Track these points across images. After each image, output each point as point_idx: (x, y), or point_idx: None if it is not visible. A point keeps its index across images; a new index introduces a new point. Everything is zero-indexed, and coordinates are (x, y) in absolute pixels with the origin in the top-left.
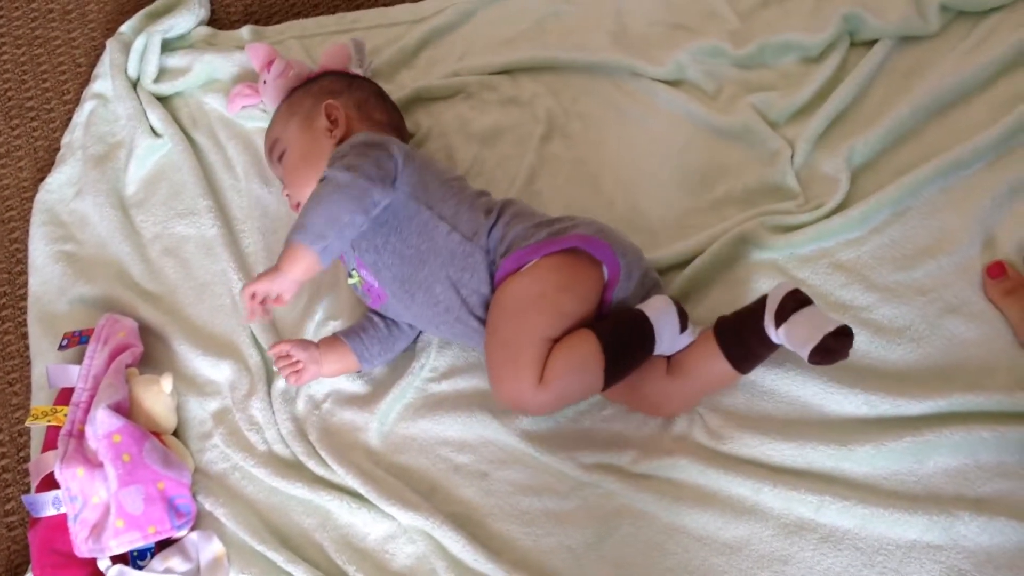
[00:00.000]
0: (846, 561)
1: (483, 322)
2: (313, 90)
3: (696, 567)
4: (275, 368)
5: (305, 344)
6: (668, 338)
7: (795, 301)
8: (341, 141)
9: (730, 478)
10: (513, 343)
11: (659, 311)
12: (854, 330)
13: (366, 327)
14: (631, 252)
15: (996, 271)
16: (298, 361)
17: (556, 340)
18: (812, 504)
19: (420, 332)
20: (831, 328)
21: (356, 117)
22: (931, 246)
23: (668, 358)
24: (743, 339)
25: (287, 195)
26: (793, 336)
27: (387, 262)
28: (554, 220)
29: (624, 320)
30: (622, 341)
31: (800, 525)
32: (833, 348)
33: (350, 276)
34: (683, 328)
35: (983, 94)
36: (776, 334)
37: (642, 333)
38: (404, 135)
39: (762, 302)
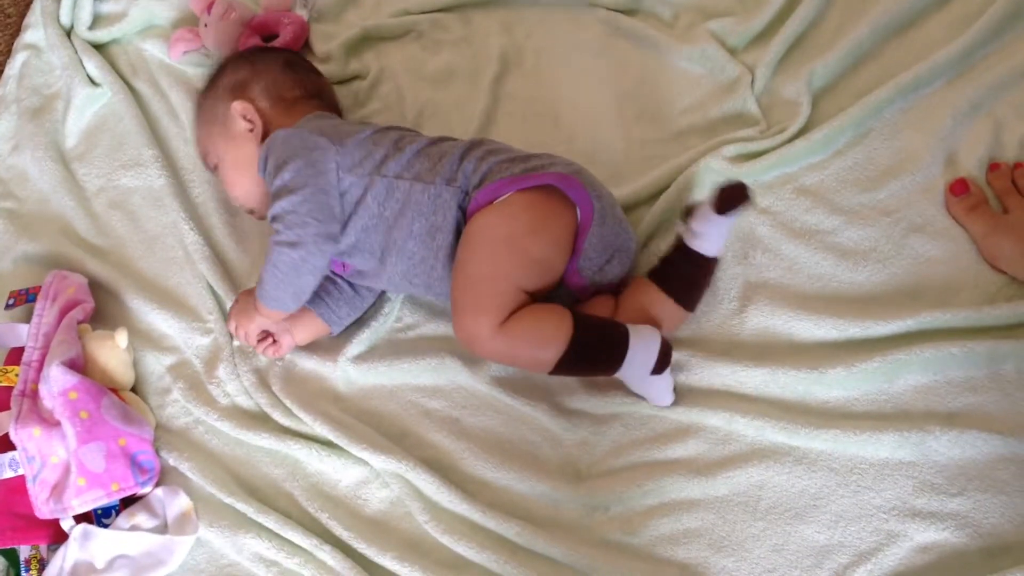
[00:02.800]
0: (820, 482)
1: None
2: (219, 91)
3: (672, 499)
4: (250, 347)
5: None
6: (636, 370)
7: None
8: (265, 135)
9: (701, 410)
10: (480, 282)
11: (643, 341)
12: (821, 256)
13: (330, 290)
14: (606, 197)
15: (959, 188)
16: (270, 335)
17: (531, 294)
18: (785, 430)
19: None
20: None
21: (268, 106)
22: (894, 166)
23: (615, 303)
24: (678, 271)
25: (236, 197)
26: (697, 218)
27: (355, 242)
28: (530, 156)
29: (606, 327)
30: (593, 344)
31: (773, 450)
32: (730, 195)
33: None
34: (657, 370)
35: (939, 12)
36: (696, 237)
37: (614, 349)
38: (327, 97)
39: (678, 235)
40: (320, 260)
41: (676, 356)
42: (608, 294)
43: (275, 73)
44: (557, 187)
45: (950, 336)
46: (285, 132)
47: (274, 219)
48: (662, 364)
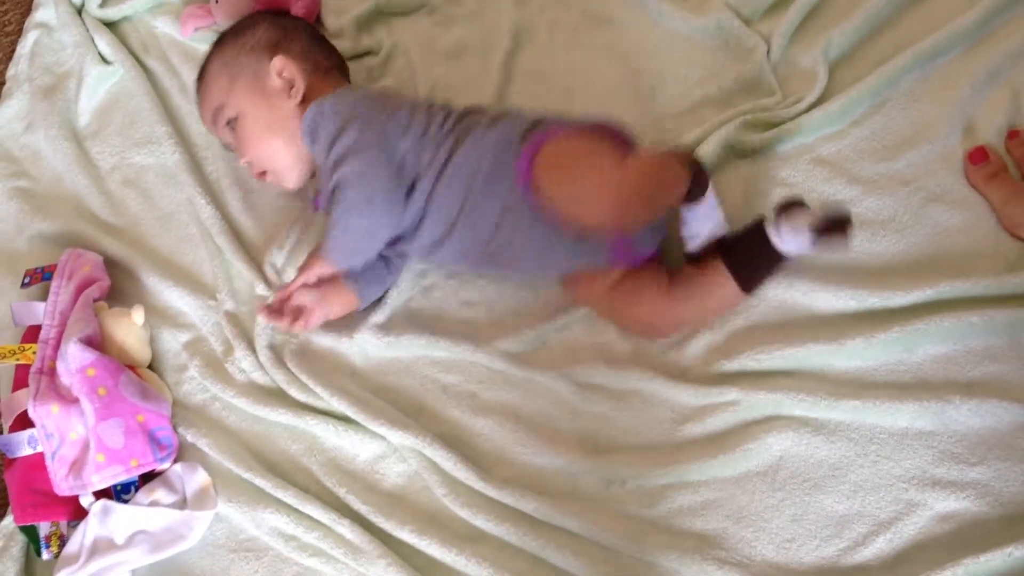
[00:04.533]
0: (839, 452)
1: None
2: (248, 44)
3: (693, 479)
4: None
5: (307, 287)
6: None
7: (797, 204)
8: (304, 102)
9: (720, 386)
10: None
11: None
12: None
13: (364, 268)
14: None
15: (978, 156)
16: (302, 306)
17: None
18: (804, 402)
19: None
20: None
21: (308, 70)
22: (912, 136)
23: (669, 275)
24: (748, 253)
25: (247, 163)
26: (793, 225)
27: (424, 206)
28: None
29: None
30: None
31: (792, 422)
32: (835, 224)
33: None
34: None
35: None
36: (780, 236)
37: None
38: (346, 73)
39: (761, 217)
40: (393, 219)
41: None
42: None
43: (307, 39)
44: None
45: (970, 305)
46: (333, 100)
47: (340, 184)
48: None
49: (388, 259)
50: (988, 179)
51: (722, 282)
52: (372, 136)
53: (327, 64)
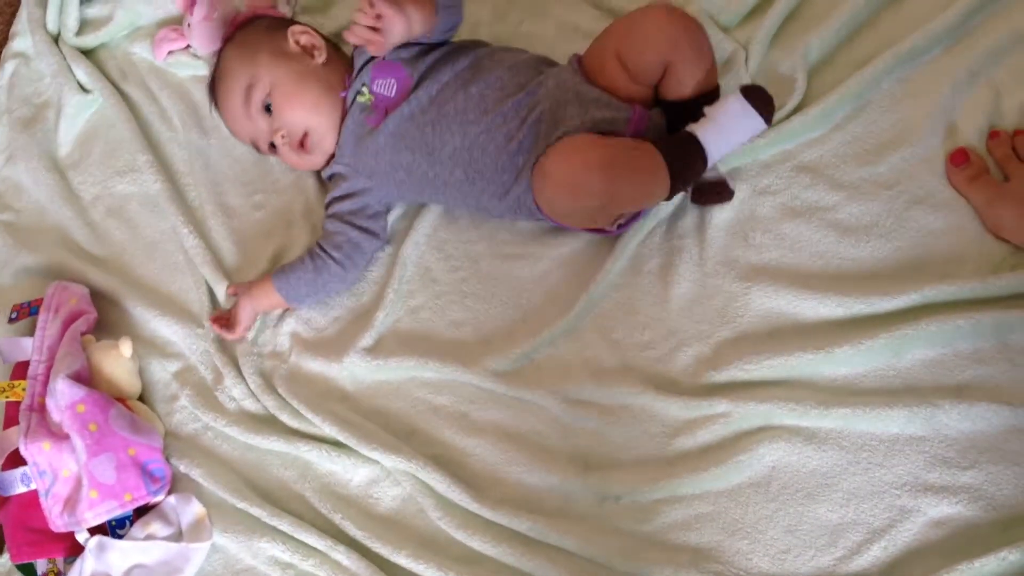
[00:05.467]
0: (831, 461)
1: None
2: (258, 29)
3: (686, 493)
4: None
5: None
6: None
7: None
8: (328, 64)
9: (709, 398)
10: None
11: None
12: (823, 233)
13: (295, 266)
14: None
15: (959, 158)
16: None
17: None
18: (794, 411)
19: (352, 280)
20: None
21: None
22: (893, 138)
23: None
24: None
25: (283, 136)
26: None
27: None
28: None
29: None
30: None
31: (783, 432)
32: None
33: (360, 94)
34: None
35: None
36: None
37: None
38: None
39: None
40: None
41: (687, 350)
42: None
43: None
44: None
45: (956, 308)
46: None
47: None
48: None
49: (326, 263)
50: (970, 181)
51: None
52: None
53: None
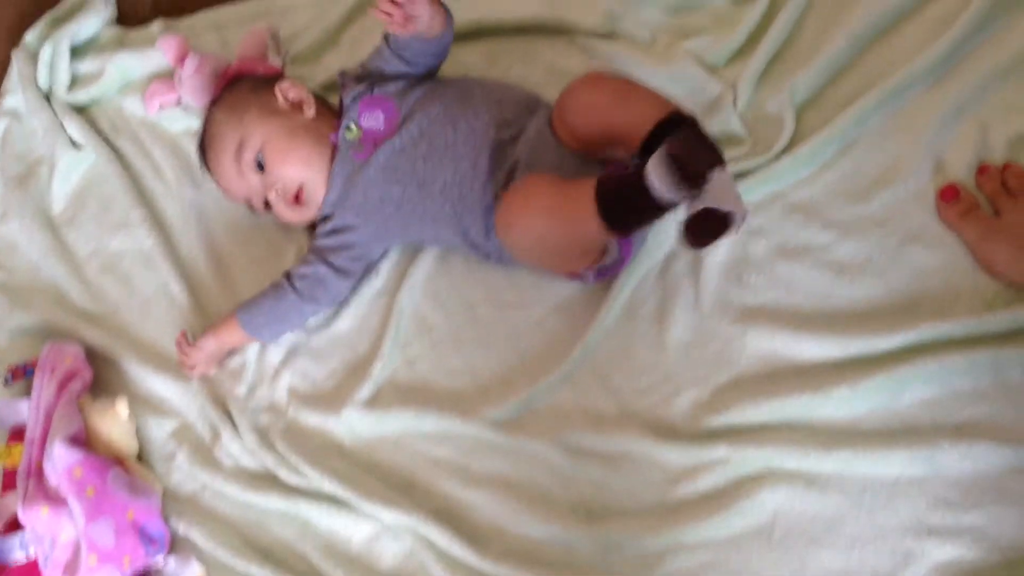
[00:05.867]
0: (833, 505)
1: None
2: (244, 88)
3: (689, 541)
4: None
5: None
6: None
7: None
8: (317, 119)
9: (709, 444)
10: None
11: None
12: (818, 272)
13: (258, 295)
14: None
15: (949, 194)
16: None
17: None
18: (794, 455)
19: (309, 314)
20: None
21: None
22: (883, 176)
23: None
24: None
25: (277, 192)
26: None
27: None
28: None
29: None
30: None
31: (784, 476)
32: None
33: (348, 130)
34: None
35: (915, 18)
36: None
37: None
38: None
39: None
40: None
41: (685, 395)
42: None
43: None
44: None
45: (952, 346)
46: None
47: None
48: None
49: (287, 292)
50: (961, 217)
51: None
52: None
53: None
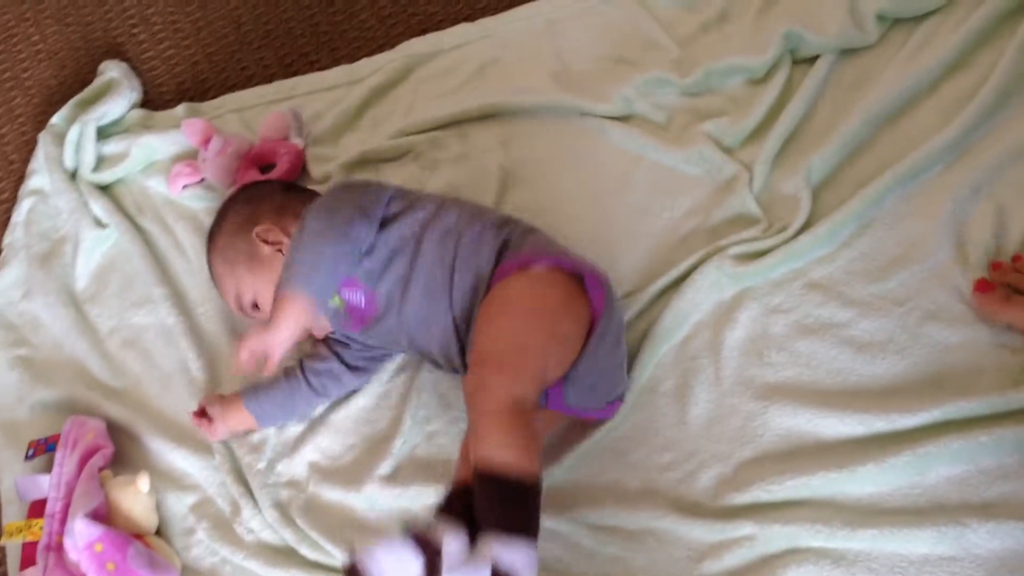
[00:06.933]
0: None
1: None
2: (230, 228)
3: None
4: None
5: (212, 399)
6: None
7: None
8: None
9: (734, 521)
10: (514, 342)
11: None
12: (838, 350)
13: (268, 387)
14: (616, 319)
15: (983, 286)
16: (210, 418)
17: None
18: (821, 532)
19: (318, 404)
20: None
21: (287, 223)
22: (901, 255)
23: None
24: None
25: None
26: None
27: (386, 259)
28: (570, 251)
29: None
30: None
31: (811, 554)
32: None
33: (330, 300)
34: None
35: (929, 98)
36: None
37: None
38: None
39: None
40: (353, 228)
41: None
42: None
43: (278, 195)
44: (583, 281)
45: (978, 424)
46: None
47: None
48: None
49: (300, 385)
50: (1004, 304)
51: None
52: (353, 196)
53: (300, 210)
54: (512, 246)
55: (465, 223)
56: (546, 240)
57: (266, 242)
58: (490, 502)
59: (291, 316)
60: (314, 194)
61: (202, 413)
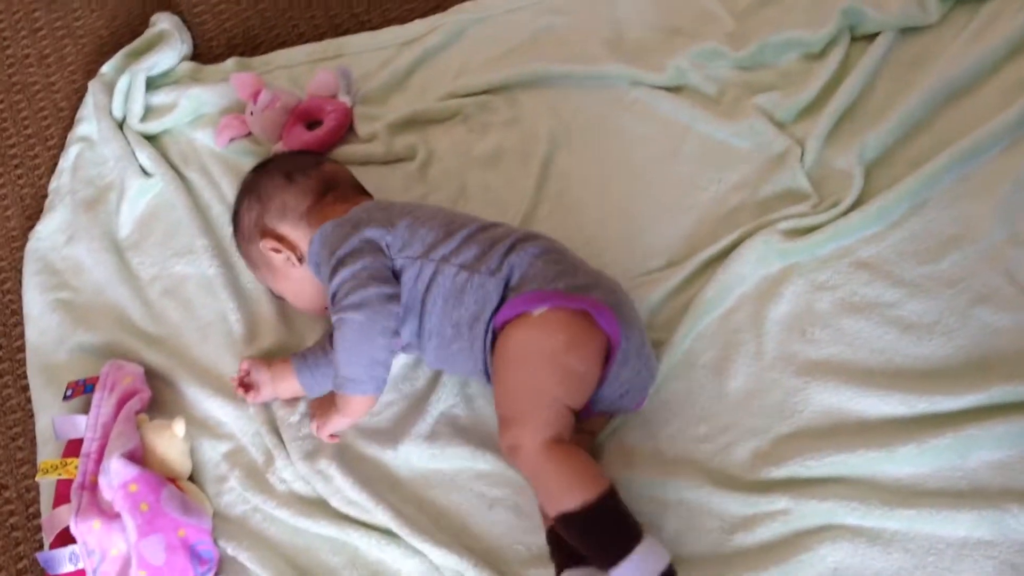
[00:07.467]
0: (897, 564)
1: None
2: (245, 235)
3: None
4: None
5: (259, 365)
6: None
7: None
8: (301, 258)
9: (769, 495)
10: (524, 396)
11: (652, 553)
12: (883, 329)
13: (316, 353)
14: (635, 336)
15: None
16: (255, 382)
17: (574, 411)
18: (857, 511)
19: None
20: None
21: (291, 228)
22: (954, 236)
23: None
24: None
25: (314, 310)
26: None
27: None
28: (577, 270)
29: (629, 516)
30: (611, 518)
31: (846, 532)
32: None
33: None
34: None
35: (991, 79)
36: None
37: (625, 539)
38: (341, 181)
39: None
40: (388, 320)
41: (744, 446)
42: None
43: (281, 193)
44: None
45: (1023, 409)
46: (334, 222)
47: (334, 295)
48: None
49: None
50: None
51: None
52: (365, 248)
53: (305, 207)
54: (513, 289)
55: (464, 279)
56: (555, 272)
57: (277, 251)
58: (581, 540)
59: (358, 412)
60: (318, 165)
61: (243, 376)
